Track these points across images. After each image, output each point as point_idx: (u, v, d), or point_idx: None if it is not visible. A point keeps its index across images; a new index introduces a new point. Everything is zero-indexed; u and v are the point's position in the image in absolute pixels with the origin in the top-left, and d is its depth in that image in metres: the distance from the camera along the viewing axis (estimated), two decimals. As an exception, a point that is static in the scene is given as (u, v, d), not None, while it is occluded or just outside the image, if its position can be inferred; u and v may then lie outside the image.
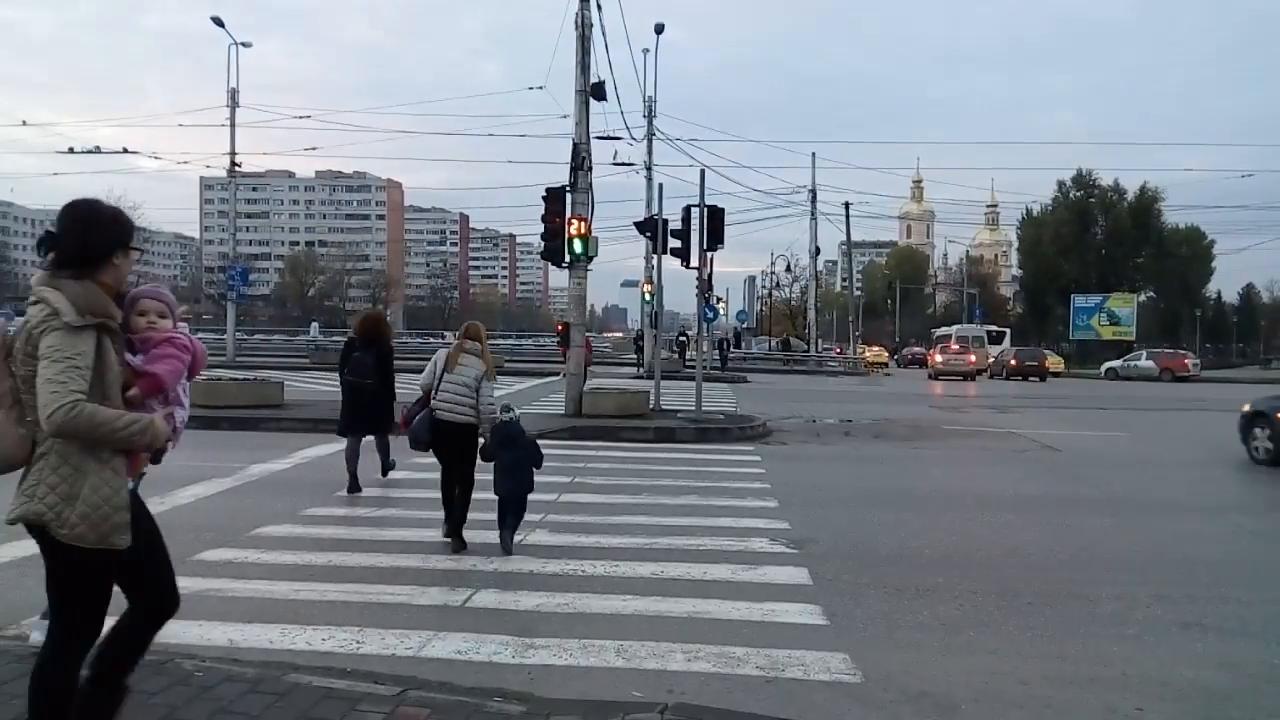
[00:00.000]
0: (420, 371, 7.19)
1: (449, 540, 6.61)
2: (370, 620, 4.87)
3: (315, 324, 66.49)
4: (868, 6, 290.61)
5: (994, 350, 46.55)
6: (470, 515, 6.94)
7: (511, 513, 6.64)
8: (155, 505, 7.68)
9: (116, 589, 2.80)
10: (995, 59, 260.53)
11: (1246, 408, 13.02)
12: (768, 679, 4.17)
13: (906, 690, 4.09)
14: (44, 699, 2.66)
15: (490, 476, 6.65)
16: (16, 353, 2.57)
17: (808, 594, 5.54)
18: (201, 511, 7.69)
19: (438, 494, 6.91)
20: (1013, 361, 41.24)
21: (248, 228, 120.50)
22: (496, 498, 6.63)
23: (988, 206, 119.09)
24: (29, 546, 6.28)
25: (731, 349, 39.97)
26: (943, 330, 57.03)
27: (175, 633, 4.58)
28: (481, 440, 6.75)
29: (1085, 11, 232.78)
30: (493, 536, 6.72)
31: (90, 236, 2.64)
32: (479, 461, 6.83)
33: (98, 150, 38.97)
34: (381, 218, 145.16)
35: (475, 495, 6.83)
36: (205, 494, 8.40)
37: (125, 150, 40.25)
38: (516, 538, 6.66)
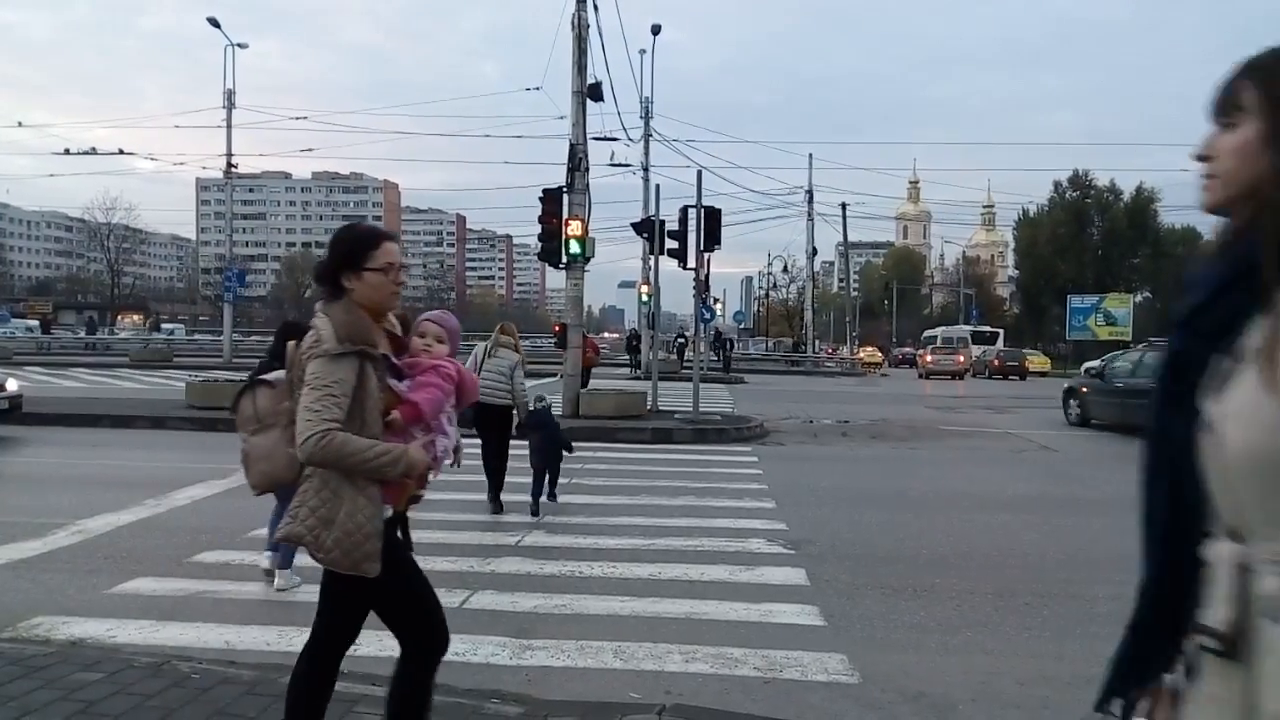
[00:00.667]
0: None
1: (494, 507, 7.88)
2: (367, 621, 4.85)
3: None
4: (866, 7, 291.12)
5: (975, 350, 48.33)
6: (467, 516, 7.57)
7: (544, 482, 8.04)
8: (151, 507, 7.73)
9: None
10: (992, 59, 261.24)
11: (1066, 385, 18.55)
12: (765, 680, 4.17)
13: (904, 691, 4.09)
14: (299, 708, 2.74)
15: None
16: (294, 375, 2.60)
17: (805, 595, 5.55)
18: (198, 513, 7.68)
19: (433, 496, 7.03)
20: (995, 361, 42.78)
21: (244, 229, 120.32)
22: (491, 500, 7.96)
23: (984, 207, 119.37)
24: (24, 549, 6.32)
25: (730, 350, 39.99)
26: (929, 332, 58.34)
27: (172, 635, 4.59)
28: (516, 418, 8.07)
29: (1083, 12, 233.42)
30: (490, 538, 6.94)
31: (325, 258, 2.67)
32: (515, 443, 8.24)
33: (94, 151, 39.03)
34: (378, 218, 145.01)
35: (470, 499, 7.43)
36: (202, 495, 8.39)
37: (121, 151, 40.37)
38: (514, 538, 6.90)
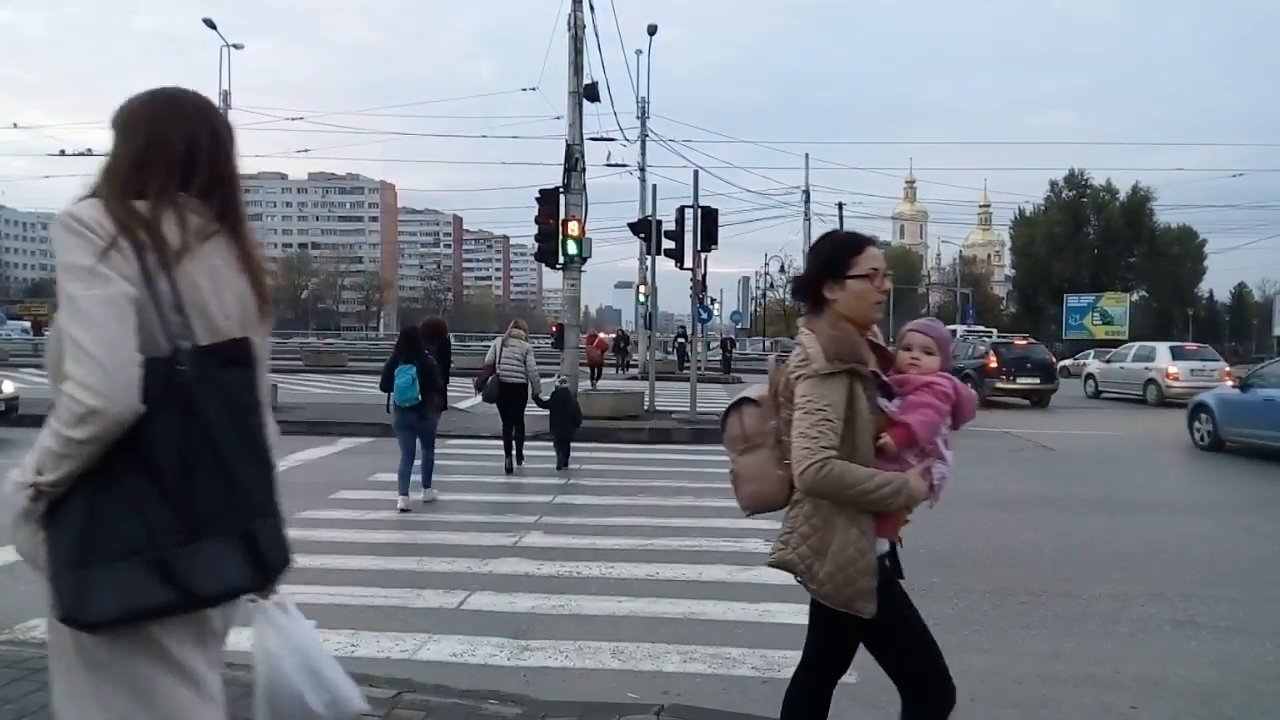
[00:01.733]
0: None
1: (512, 472, 10.08)
2: (365, 623, 4.86)
3: None
4: (862, 7, 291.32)
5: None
6: (465, 517, 7.71)
7: (561, 449, 10.53)
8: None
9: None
10: (988, 59, 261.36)
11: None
12: (763, 679, 4.16)
13: (902, 690, 4.09)
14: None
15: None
16: (780, 393, 2.46)
17: (803, 595, 5.52)
18: (195, 515, 7.65)
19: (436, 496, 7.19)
20: None
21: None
22: (515, 463, 10.37)
23: (980, 207, 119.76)
24: (21, 551, 6.29)
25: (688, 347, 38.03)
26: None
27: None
28: (533, 394, 10.37)
29: (1079, 11, 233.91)
30: (488, 539, 6.95)
31: (803, 269, 2.52)
32: (526, 415, 10.54)
33: (89, 153, 38.84)
34: (375, 220, 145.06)
35: (467, 499, 7.07)
36: (199, 497, 8.36)
37: (117, 153, 40.12)
38: (511, 539, 6.91)
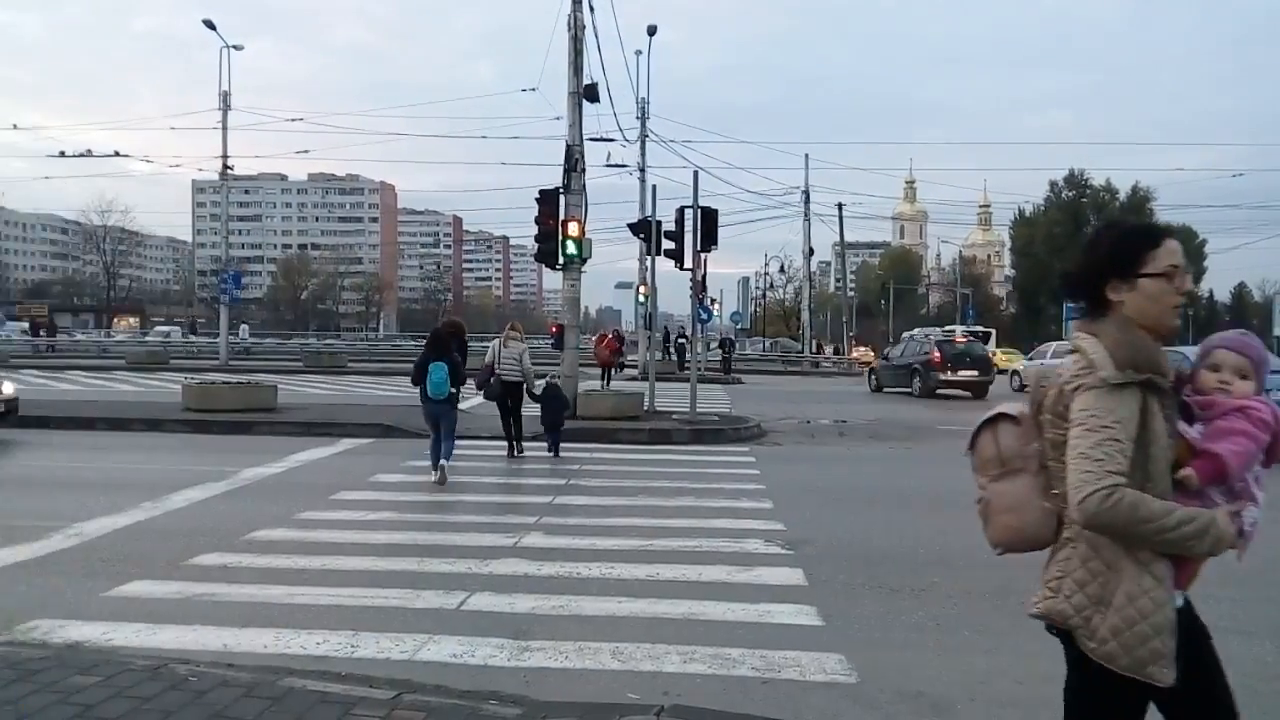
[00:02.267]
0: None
1: (513, 456, 11.31)
2: (365, 624, 4.86)
3: (245, 326, 66.31)
4: (862, 7, 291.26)
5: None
6: (465, 518, 7.78)
7: (551, 437, 11.59)
8: (148, 510, 7.73)
9: None
10: (988, 59, 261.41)
11: (869, 365, 29.68)
12: (764, 680, 4.17)
13: (902, 691, 4.09)
14: None
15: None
16: (1046, 410, 2.09)
17: (803, 595, 5.55)
18: (195, 516, 7.67)
19: (430, 498, 7.32)
20: None
21: (240, 231, 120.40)
22: (515, 452, 11.49)
23: (980, 207, 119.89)
24: (21, 552, 6.30)
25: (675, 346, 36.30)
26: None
27: (170, 638, 4.58)
28: (527, 389, 11.49)
29: (1078, 11, 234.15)
30: (488, 539, 6.93)
31: (1079, 263, 2.14)
32: (525, 404, 11.67)
33: (89, 154, 38.97)
34: (375, 220, 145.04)
35: (469, 500, 7.09)
36: (199, 498, 8.37)
37: (117, 154, 40.47)
38: (511, 539, 6.91)
